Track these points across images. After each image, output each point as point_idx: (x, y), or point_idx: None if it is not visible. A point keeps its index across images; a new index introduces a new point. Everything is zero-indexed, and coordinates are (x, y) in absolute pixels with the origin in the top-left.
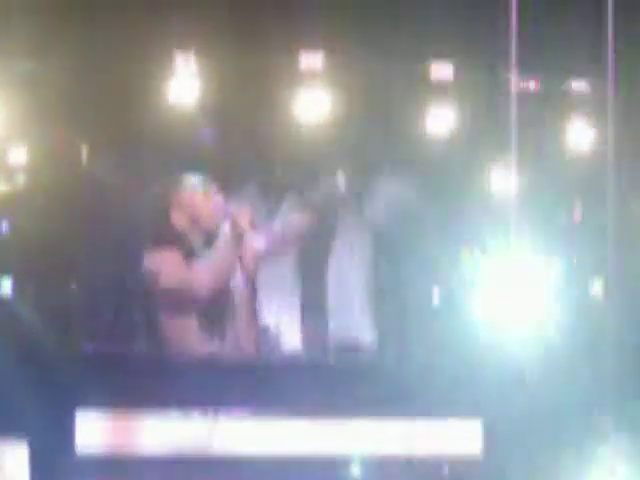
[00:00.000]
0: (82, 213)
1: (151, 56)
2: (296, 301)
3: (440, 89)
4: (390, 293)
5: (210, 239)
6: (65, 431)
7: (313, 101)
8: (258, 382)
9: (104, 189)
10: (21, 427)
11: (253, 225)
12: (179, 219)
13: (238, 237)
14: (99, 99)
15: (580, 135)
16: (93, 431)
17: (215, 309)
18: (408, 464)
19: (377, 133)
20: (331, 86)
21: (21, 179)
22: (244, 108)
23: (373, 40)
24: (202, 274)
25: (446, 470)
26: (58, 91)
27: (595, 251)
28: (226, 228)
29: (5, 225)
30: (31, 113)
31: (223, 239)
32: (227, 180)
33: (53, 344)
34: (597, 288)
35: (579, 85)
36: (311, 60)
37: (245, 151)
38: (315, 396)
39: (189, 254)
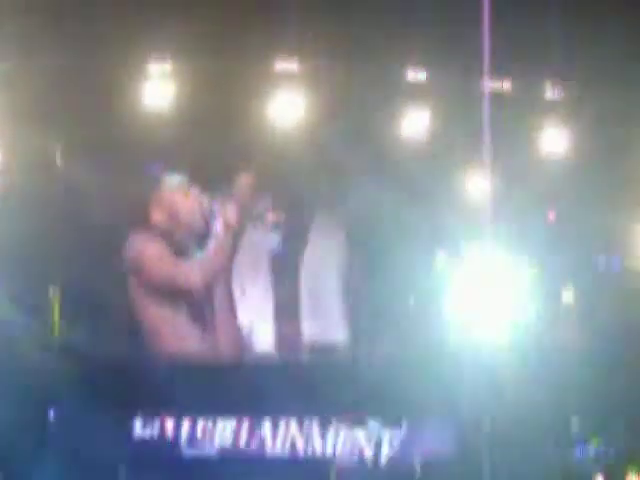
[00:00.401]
0: (57, 213)
1: (126, 59)
2: (269, 301)
3: (415, 92)
4: (364, 294)
5: (203, 238)
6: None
7: (288, 104)
8: (234, 382)
9: (79, 190)
10: None
11: (241, 223)
12: (159, 217)
13: (230, 235)
14: (74, 101)
15: (554, 136)
16: None
17: (201, 307)
18: (382, 463)
19: (351, 135)
20: (306, 89)
21: None
22: (219, 111)
23: (348, 43)
24: (193, 271)
25: (419, 470)
26: (33, 93)
27: (568, 253)
28: (218, 227)
29: None
30: (5, 114)
31: (216, 237)
32: (207, 180)
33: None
34: (569, 291)
35: (552, 87)
36: (286, 64)
37: (222, 153)
38: (289, 396)
39: (179, 252)
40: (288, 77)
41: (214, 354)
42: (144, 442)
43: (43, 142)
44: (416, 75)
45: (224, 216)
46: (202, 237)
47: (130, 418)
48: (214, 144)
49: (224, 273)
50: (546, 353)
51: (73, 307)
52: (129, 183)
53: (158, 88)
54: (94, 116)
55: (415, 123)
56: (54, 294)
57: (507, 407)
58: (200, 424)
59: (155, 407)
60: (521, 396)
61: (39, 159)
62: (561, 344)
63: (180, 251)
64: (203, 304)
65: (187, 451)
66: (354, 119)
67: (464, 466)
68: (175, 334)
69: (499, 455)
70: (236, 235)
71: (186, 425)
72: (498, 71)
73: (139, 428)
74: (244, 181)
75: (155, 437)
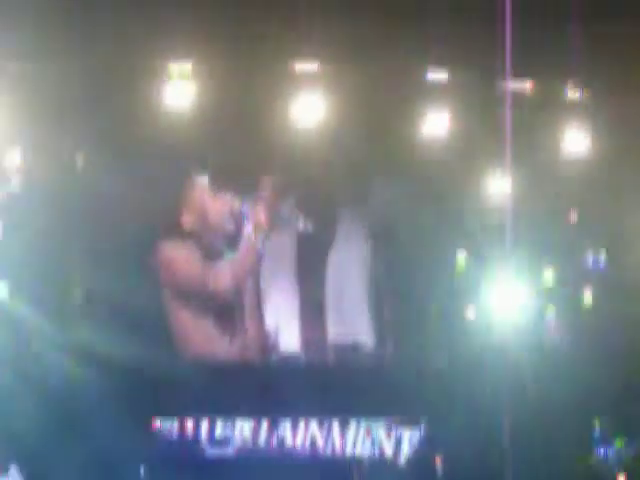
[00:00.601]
0: (79, 215)
1: (148, 59)
2: (295, 302)
3: (435, 92)
4: (388, 293)
5: (232, 240)
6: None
7: (308, 105)
8: (261, 383)
9: (98, 191)
10: None
11: (271, 225)
12: (189, 219)
13: (260, 236)
14: (95, 101)
15: (574, 137)
16: None
17: (230, 308)
18: (402, 462)
19: (373, 137)
20: (327, 91)
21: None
22: (240, 112)
23: (369, 44)
24: (223, 273)
25: (440, 469)
26: (53, 93)
27: (588, 253)
28: (248, 229)
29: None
30: (26, 115)
31: (246, 239)
32: (231, 181)
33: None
34: (589, 291)
35: (573, 87)
36: (307, 64)
37: (245, 154)
38: (314, 396)
39: (209, 254)
40: (309, 78)
41: (242, 356)
42: (169, 442)
43: (63, 143)
44: (436, 75)
45: (254, 218)
46: (232, 239)
47: (155, 419)
48: (236, 145)
49: (253, 275)
50: (568, 354)
51: (96, 309)
52: (153, 184)
53: (179, 88)
54: (115, 116)
55: (436, 124)
56: (76, 296)
57: (529, 407)
58: (224, 424)
59: (179, 408)
60: (543, 396)
61: (59, 159)
62: (583, 345)
63: (210, 254)
64: (233, 306)
65: (210, 451)
66: (374, 119)
67: (485, 466)
68: (204, 337)
69: (521, 455)
70: (265, 237)
71: (209, 425)
72: (519, 71)
73: (164, 428)
74: (269, 182)
75: (180, 437)
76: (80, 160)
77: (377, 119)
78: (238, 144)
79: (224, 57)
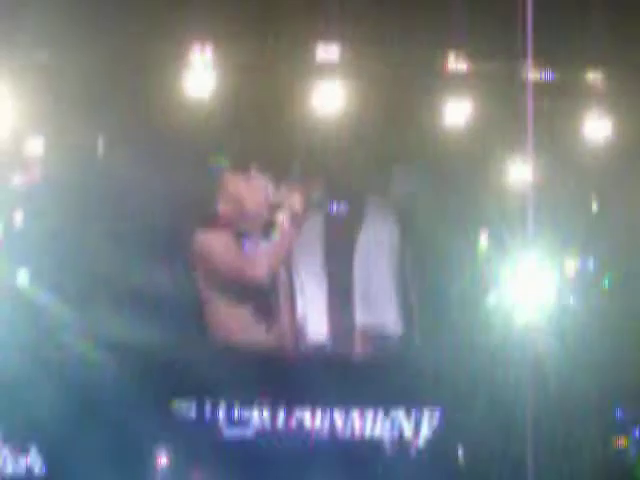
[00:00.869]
0: (100, 203)
1: (168, 48)
2: (323, 290)
3: (457, 79)
4: (416, 281)
5: (267, 227)
6: None
7: (330, 92)
8: (285, 370)
9: (119, 179)
10: None
11: (306, 210)
12: (224, 208)
13: (295, 224)
14: (117, 90)
15: (597, 125)
16: None
17: (266, 296)
18: (422, 448)
19: (394, 125)
20: (347, 77)
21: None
22: (263, 99)
23: (390, 32)
24: (259, 261)
25: (461, 455)
26: (74, 83)
27: (611, 241)
28: (283, 216)
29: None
30: (48, 104)
31: (281, 226)
32: (266, 169)
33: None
34: (612, 278)
35: (596, 75)
36: (328, 52)
37: (270, 141)
38: (339, 383)
39: (245, 242)
40: (330, 65)
41: (277, 344)
42: (187, 424)
43: (85, 130)
44: (458, 62)
45: (289, 205)
46: (267, 226)
47: (174, 401)
48: (261, 133)
49: (287, 262)
50: (589, 341)
51: (116, 296)
52: (176, 172)
53: (201, 76)
54: (137, 105)
55: (458, 111)
56: (98, 283)
57: (550, 394)
58: (243, 407)
59: (200, 391)
60: (564, 383)
61: (81, 147)
62: (605, 332)
63: (246, 238)
64: (268, 294)
65: (229, 432)
66: (395, 107)
67: (506, 453)
68: (241, 325)
69: (541, 441)
70: (300, 224)
71: (228, 407)
72: (540, 59)
73: (182, 410)
74: (302, 169)
75: (198, 419)
76: (102, 147)
77: (398, 107)
78: (260, 131)
79: (244, 44)
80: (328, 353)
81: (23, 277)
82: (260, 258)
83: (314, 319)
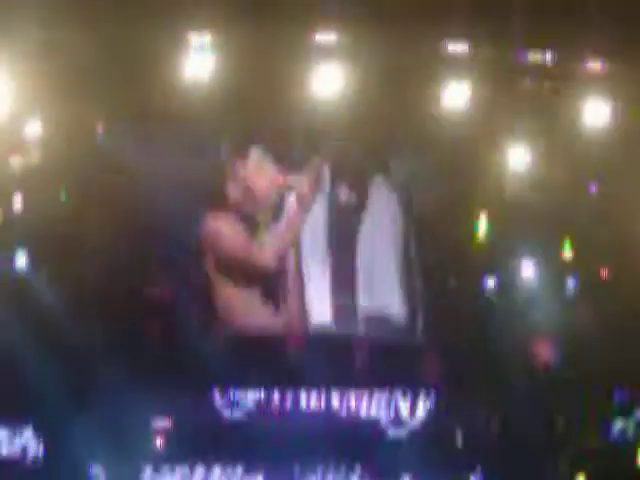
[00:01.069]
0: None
1: (168, 31)
2: (326, 273)
3: (455, 63)
4: (419, 265)
5: (276, 211)
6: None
7: (328, 74)
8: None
9: (119, 162)
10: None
11: (314, 193)
12: (234, 193)
13: (303, 208)
14: (116, 74)
15: (595, 109)
16: None
17: (274, 280)
18: (420, 429)
19: (393, 109)
20: (347, 60)
21: (36, 153)
22: (261, 82)
23: (387, 16)
24: (267, 246)
25: (460, 437)
26: (74, 64)
27: (610, 227)
28: (292, 200)
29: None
30: (47, 87)
31: (288, 211)
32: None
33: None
34: (609, 264)
35: (593, 59)
36: (326, 34)
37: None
38: (341, 366)
39: (253, 227)
40: (329, 48)
41: (286, 327)
42: (186, 406)
43: (85, 113)
44: (456, 46)
45: (300, 189)
46: (276, 210)
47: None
48: (261, 116)
49: (295, 246)
50: (589, 325)
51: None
52: (176, 156)
53: (200, 59)
54: (136, 89)
55: (455, 94)
56: (97, 267)
57: (549, 377)
58: (242, 389)
59: (201, 374)
60: (564, 366)
61: (80, 130)
62: (604, 316)
63: (254, 227)
64: (276, 279)
65: (227, 413)
66: (394, 91)
67: (503, 436)
68: (249, 308)
69: (541, 424)
70: (307, 206)
71: (226, 389)
72: (539, 42)
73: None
74: (312, 154)
75: (197, 400)
76: (101, 130)
77: (398, 89)
78: (260, 114)
79: (243, 27)
80: (332, 335)
81: (21, 260)
82: (268, 241)
83: (318, 301)
